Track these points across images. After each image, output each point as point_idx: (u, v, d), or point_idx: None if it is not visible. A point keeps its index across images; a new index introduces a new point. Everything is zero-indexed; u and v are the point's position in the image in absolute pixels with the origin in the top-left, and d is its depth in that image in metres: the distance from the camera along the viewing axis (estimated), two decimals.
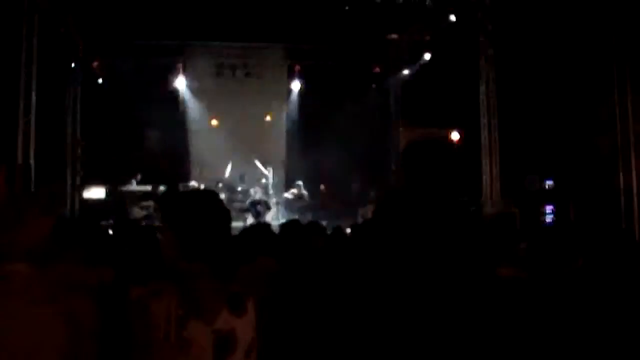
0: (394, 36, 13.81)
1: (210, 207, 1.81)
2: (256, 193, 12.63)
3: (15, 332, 1.63)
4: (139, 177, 12.62)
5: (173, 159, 13.97)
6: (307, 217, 11.53)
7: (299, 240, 3.61)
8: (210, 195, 1.90)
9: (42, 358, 1.64)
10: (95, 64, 13.45)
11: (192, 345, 1.67)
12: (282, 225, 4.44)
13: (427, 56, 12.82)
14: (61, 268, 1.88)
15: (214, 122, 14.35)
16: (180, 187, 12.49)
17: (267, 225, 5.06)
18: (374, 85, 14.79)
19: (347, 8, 11.25)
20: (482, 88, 10.87)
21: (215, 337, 1.69)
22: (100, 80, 13.59)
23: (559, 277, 2.16)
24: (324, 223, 11.15)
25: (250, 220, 11.82)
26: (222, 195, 10.55)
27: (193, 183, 12.73)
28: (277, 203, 13.04)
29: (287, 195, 13.14)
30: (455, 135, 14.10)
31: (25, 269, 1.70)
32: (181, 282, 1.74)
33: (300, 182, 13.07)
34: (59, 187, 12.35)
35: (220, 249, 1.77)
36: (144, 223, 9.75)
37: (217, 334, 1.70)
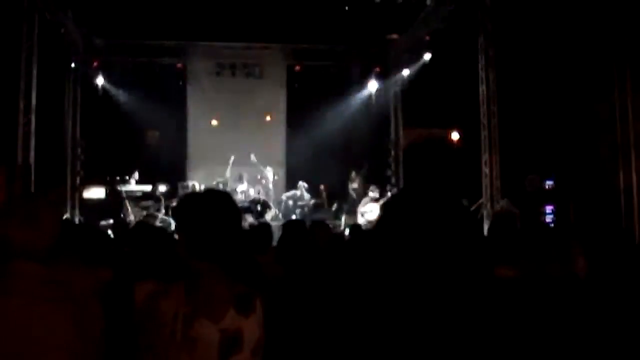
0: (394, 36, 13.80)
1: (223, 207, 1.81)
2: (256, 193, 12.62)
3: (25, 331, 1.64)
4: (136, 175, 12.57)
5: (173, 158, 13.96)
6: (307, 217, 11.52)
7: (301, 240, 3.62)
8: (222, 195, 1.90)
9: (50, 356, 1.65)
10: (95, 64, 13.45)
11: (198, 343, 1.67)
12: (283, 225, 4.45)
13: (427, 56, 12.81)
14: (64, 268, 1.90)
15: (214, 122, 14.35)
16: (180, 187, 12.49)
17: (268, 225, 5.07)
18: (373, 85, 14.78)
19: (347, 8, 11.24)
20: (482, 88, 10.86)
21: (221, 336, 1.69)
22: (100, 80, 13.58)
23: (557, 278, 2.16)
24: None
25: (250, 220, 11.82)
26: None
27: (193, 182, 12.72)
28: (277, 203, 13.04)
29: (287, 195, 13.14)
30: (455, 135, 14.10)
31: (36, 269, 1.72)
32: (190, 281, 1.74)
33: (301, 182, 13.08)
34: (61, 190, 12.35)
35: (230, 249, 1.77)
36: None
37: (223, 333, 1.70)
